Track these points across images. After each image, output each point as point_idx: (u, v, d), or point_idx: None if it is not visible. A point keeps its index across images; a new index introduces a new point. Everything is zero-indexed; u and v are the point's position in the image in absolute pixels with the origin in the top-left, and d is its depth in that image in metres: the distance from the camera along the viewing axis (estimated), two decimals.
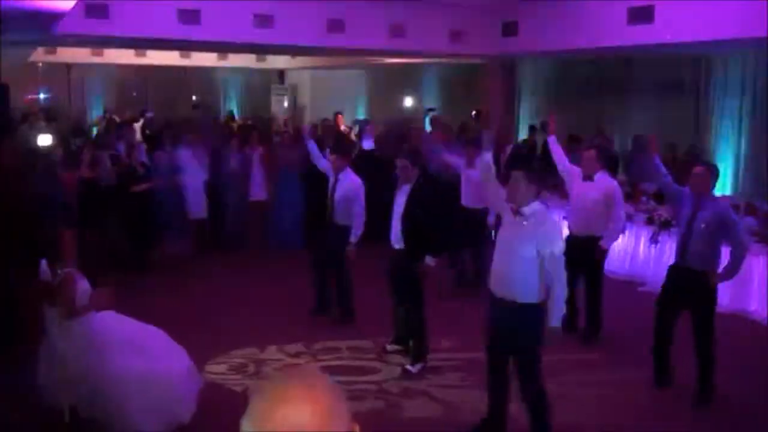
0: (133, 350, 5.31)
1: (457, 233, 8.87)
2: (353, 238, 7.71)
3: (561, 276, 4.97)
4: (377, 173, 9.78)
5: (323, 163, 8.29)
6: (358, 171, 8.10)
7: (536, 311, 5.01)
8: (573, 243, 7.50)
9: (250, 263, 10.76)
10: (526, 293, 4.98)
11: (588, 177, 7.45)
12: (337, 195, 7.83)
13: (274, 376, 1.49)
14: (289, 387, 1.42)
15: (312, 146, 8.41)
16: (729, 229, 5.95)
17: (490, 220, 8.92)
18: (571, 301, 7.69)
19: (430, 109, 9.47)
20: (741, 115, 12.22)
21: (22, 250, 6.67)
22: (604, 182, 7.45)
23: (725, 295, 8.12)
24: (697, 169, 6.05)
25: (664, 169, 6.47)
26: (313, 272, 8.37)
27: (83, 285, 5.21)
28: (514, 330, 5.03)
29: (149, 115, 17.55)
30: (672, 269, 6.33)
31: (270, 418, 1.37)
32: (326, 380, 1.46)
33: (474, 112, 15.84)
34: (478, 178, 8.69)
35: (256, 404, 1.41)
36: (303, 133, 9.24)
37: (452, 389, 6.45)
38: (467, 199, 9.09)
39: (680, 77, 13.34)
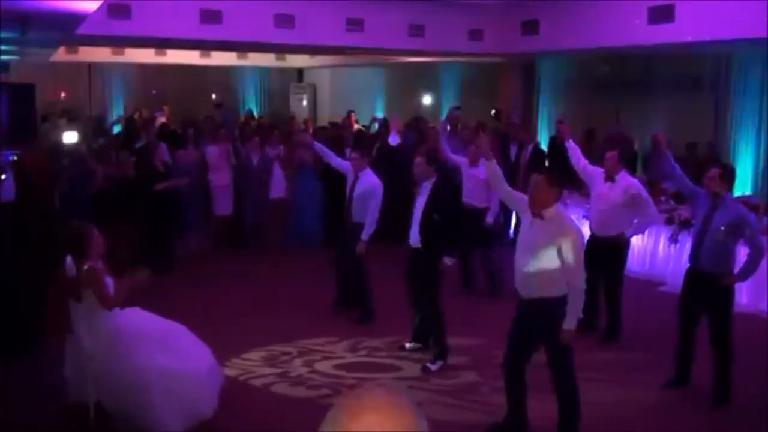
0: (157, 347, 5.38)
1: (464, 233, 8.91)
2: (364, 236, 7.78)
3: (580, 282, 5.01)
4: (399, 171, 9.82)
5: (336, 161, 8.35)
6: (378, 167, 8.16)
7: (562, 303, 5.07)
8: (594, 244, 7.53)
9: (269, 261, 10.84)
10: (550, 289, 5.06)
11: (610, 178, 7.44)
12: (356, 193, 7.89)
13: (353, 397, 1.46)
14: (369, 408, 1.40)
15: (319, 147, 8.47)
16: (746, 231, 5.94)
17: (489, 219, 8.93)
18: (591, 301, 7.72)
19: (456, 108, 9.48)
20: (761, 114, 12.13)
21: (48, 247, 6.77)
22: (626, 182, 7.44)
23: (743, 295, 8.10)
24: (712, 172, 6.04)
25: (679, 169, 6.48)
26: (335, 270, 8.44)
27: (108, 282, 5.28)
28: (544, 325, 5.08)
29: (157, 114, 17.65)
30: (688, 273, 6.33)
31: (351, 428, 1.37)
32: (405, 398, 1.46)
33: (493, 111, 15.83)
34: (482, 176, 8.73)
35: (336, 424, 1.40)
36: (300, 137, 9.25)
37: (471, 388, 6.49)
38: (470, 198, 9.07)
39: (700, 76, 13.28)
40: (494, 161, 5.64)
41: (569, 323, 5.03)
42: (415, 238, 6.92)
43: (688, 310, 6.28)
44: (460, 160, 9.21)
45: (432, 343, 7.00)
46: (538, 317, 5.13)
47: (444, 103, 18.30)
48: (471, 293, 9.13)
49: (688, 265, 6.37)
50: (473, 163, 8.91)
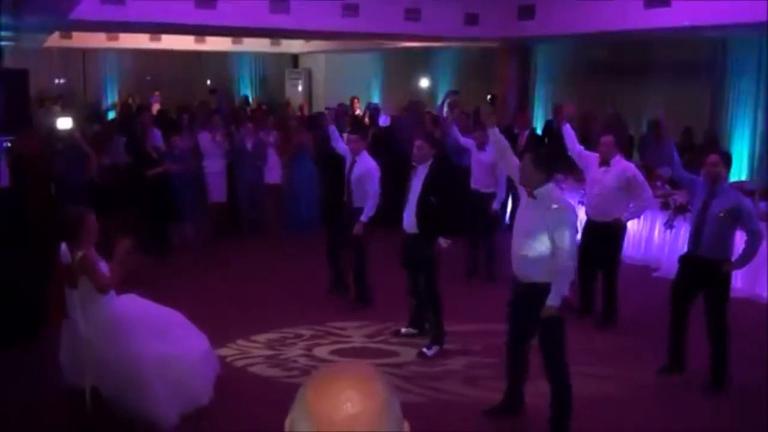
0: (153, 333, 5.38)
1: (468, 218, 8.90)
2: (363, 218, 7.76)
3: (568, 260, 4.99)
4: (392, 155, 9.81)
5: (342, 146, 8.35)
6: (374, 151, 8.17)
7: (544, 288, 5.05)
8: (591, 229, 7.54)
9: (266, 247, 10.84)
10: (542, 273, 5.04)
11: (605, 162, 7.43)
12: (354, 176, 7.89)
13: (327, 371, 1.46)
14: (343, 381, 1.40)
15: (332, 130, 8.48)
16: (744, 218, 5.94)
17: (496, 206, 8.95)
18: (587, 286, 7.74)
19: (454, 92, 9.44)
20: (757, 99, 12.13)
21: (45, 234, 6.75)
22: (621, 166, 7.43)
23: (738, 280, 8.12)
24: (711, 158, 6.03)
25: (677, 159, 6.47)
26: (328, 254, 8.43)
27: (102, 267, 5.26)
28: (534, 309, 5.07)
29: (152, 100, 17.58)
30: (684, 258, 6.34)
31: (323, 410, 1.36)
32: (380, 376, 1.45)
33: (489, 96, 15.78)
34: (487, 161, 8.73)
35: (308, 397, 1.40)
36: (324, 119, 9.28)
37: (468, 372, 6.51)
38: (477, 183, 9.11)
39: (697, 61, 13.25)
40: (497, 129, 5.65)
41: (552, 300, 4.98)
42: (409, 222, 6.90)
43: (683, 296, 6.28)
44: (469, 142, 9.19)
45: (429, 328, 7.00)
46: (532, 301, 5.10)
47: (440, 88, 18.25)
48: (474, 280, 9.13)
49: (685, 251, 6.36)
50: (480, 147, 8.90)
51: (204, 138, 11.15)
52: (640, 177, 7.44)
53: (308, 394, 1.40)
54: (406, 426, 1.45)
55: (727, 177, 6.22)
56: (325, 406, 1.36)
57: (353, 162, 7.93)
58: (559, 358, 5.18)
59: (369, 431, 1.36)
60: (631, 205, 7.49)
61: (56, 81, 18.99)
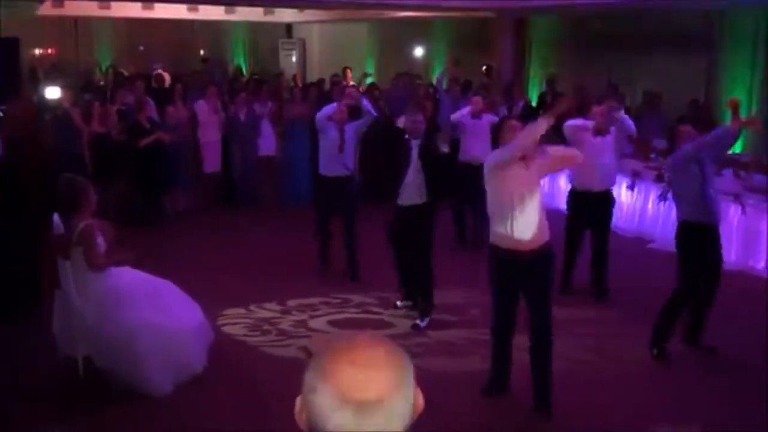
0: (147, 304, 5.40)
1: (459, 186, 8.87)
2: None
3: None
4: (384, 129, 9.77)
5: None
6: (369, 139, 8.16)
7: (552, 247, 5.19)
8: (586, 199, 7.44)
9: (259, 219, 10.81)
10: (544, 234, 5.10)
11: (604, 130, 7.30)
12: (347, 137, 7.86)
13: (344, 349, 1.46)
14: (364, 361, 1.42)
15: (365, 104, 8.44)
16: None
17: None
18: (570, 261, 7.68)
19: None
20: (753, 71, 12.09)
21: (41, 204, 6.72)
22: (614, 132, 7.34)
23: (731, 253, 8.11)
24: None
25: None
26: (316, 228, 8.37)
27: (100, 241, 5.26)
28: (534, 272, 5.10)
29: (156, 68, 17.37)
30: (713, 231, 6.24)
31: (347, 390, 1.38)
32: (396, 347, 1.48)
33: (484, 67, 15.72)
34: (484, 128, 8.64)
35: (331, 377, 1.40)
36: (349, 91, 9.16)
37: (461, 342, 6.54)
38: (474, 150, 8.85)
39: (692, 32, 13.18)
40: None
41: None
42: (409, 194, 6.87)
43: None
44: (461, 115, 9.10)
45: (421, 300, 7.01)
46: (532, 265, 5.09)
47: (435, 59, 18.16)
48: (466, 248, 9.12)
49: (710, 226, 6.15)
50: (476, 115, 8.78)
51: (201, 107, 11.07)
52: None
53: (330, 374, 1.40)
54: (419, 396, 1.47)
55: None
56: (348, 385, 1.38)
57: (342, 131, 7.84)
58: (549, 327, 5.16)
59: (389, 406, 1.39)
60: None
61: (48, 50, 18.82)
